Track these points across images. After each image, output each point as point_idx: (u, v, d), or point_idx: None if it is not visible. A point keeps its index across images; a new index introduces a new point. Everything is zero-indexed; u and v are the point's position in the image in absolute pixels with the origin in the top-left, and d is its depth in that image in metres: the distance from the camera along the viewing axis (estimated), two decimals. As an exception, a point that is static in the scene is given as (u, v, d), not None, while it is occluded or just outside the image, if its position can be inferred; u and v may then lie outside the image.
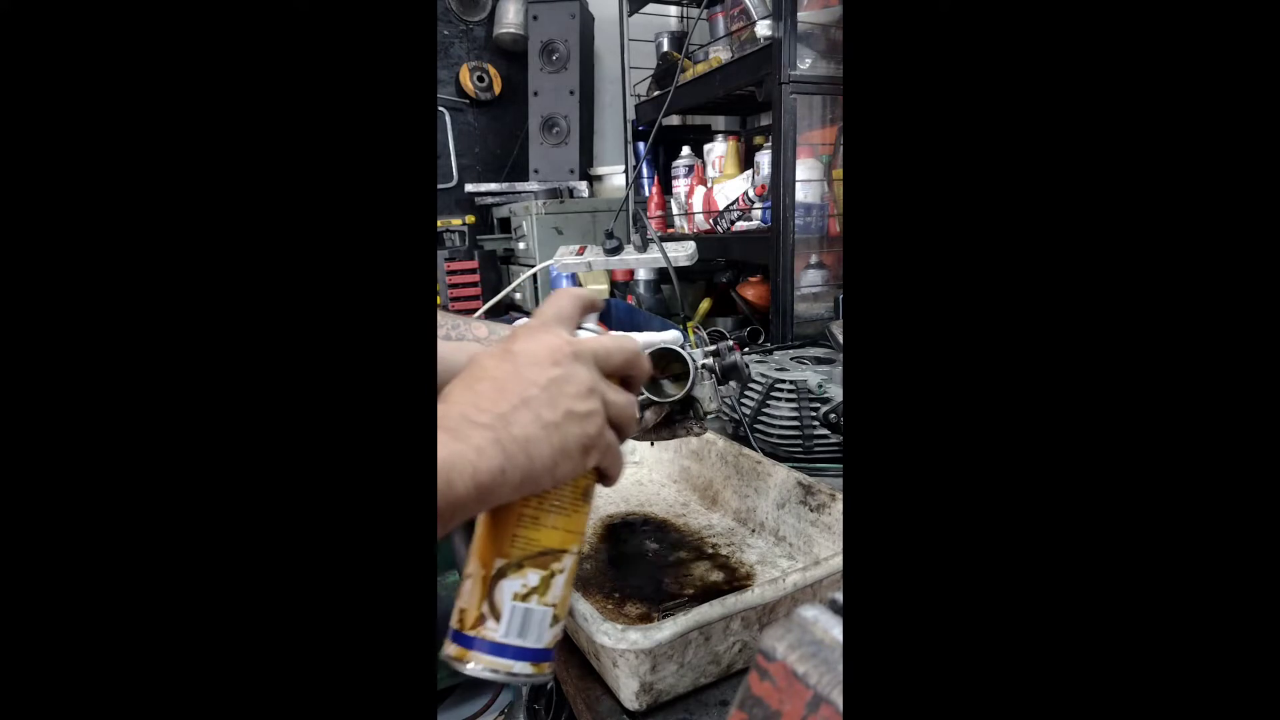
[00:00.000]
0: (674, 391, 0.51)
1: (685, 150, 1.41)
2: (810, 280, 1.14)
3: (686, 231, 1.37)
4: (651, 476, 0.80)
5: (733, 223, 1.24)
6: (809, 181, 1.09)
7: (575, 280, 1.40)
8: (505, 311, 1.50)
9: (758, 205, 1.19)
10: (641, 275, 1.49)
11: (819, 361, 0.85)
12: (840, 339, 0.88)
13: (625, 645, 0.39)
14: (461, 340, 0.51)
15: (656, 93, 1.43)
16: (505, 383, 0.31)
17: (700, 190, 1.33)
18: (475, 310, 1.32)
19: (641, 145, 1.49)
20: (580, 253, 0.92)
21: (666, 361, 0.51)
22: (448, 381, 0.32)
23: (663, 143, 1.53)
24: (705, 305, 1.48)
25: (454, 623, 0.33)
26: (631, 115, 1.52)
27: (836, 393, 0.74)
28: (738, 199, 1.24)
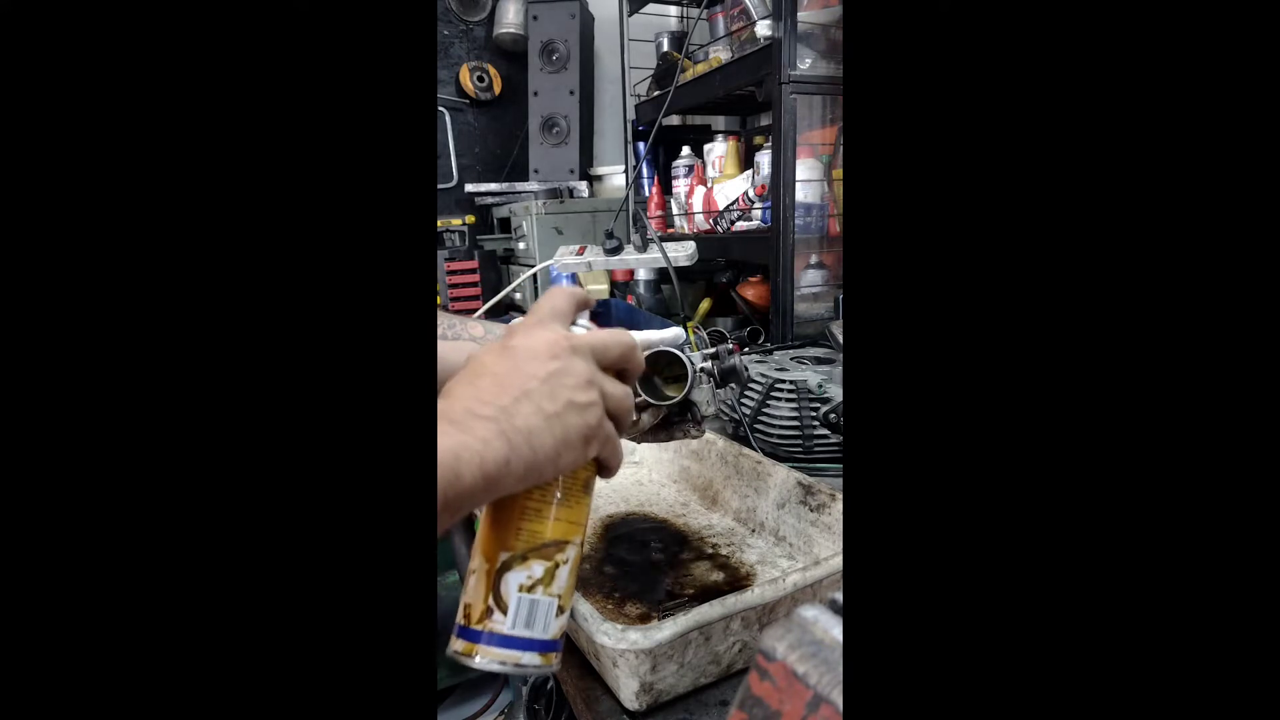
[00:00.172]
0: (672, 394, 0.51)
1: (685, 150, 1.41)
2: (810, 280, 1.14)
3: (686, 231, 1.37)
4: (651, 476, 0.80)
5: (733, 223, 1.24)
6: (809, 181, 1.09)
7: (575, 280, 1.40)
8: (505, 311, 1.50)
9: (758, 205, 1.19)
10: (641, 275, 1.49)
11: (819, 361, 0.86)
12: (840, 339, 0.89)
13: (625, 645, 0.39)
14: (458, 340, 0.51)
15: (656, 93, 1.43)
16: (506, 377, 0.32)
17: (700, 190, 1.33)
18: (475, 310, 1.31)
19: (641, 145, 1.49)
20: (580, 253, 0.92)
21: (665, 364, 0.51)
22: (445, 380, 0.32)
23: (663, 143, 1.53)
24: (705, 305, 1.48)
25: (459, 618, 0.34)
26: (631, 115, 1.52)
27: (836, 393, 0.74)
28: (738, 199, 1.24)
